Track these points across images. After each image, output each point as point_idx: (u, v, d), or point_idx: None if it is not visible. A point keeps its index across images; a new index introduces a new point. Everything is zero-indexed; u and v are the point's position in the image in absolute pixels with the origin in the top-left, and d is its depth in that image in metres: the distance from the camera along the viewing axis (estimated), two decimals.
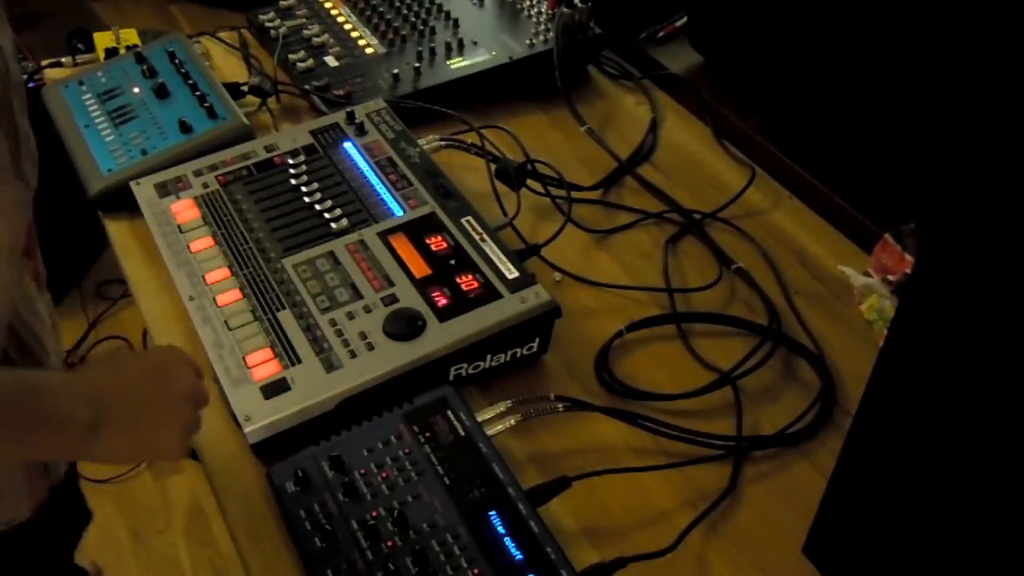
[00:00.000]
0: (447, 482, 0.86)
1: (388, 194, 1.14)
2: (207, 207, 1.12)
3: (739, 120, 1.42)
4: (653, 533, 0.90)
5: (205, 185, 1.15)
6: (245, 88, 1.36)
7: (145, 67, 1.34)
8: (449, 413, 0.91)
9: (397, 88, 1.37)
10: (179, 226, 1.10)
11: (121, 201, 1.16)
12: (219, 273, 1.04)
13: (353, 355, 0.95)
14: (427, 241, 1.07)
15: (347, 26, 1.51)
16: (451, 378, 0.98)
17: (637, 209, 1.27)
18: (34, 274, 0.88)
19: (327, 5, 1.56)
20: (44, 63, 1.51)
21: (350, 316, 0.98)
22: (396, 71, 1.38)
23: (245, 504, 0.90)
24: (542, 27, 1.46)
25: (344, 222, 1.10)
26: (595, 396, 1.02)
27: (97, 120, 1.27)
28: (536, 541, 0.81)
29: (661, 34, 1.61)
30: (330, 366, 0.94)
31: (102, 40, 1.48)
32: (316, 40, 1.47)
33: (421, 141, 1.23)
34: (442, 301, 1.00)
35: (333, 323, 0.98)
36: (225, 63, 1.48)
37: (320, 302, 1.00)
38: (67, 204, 1.15)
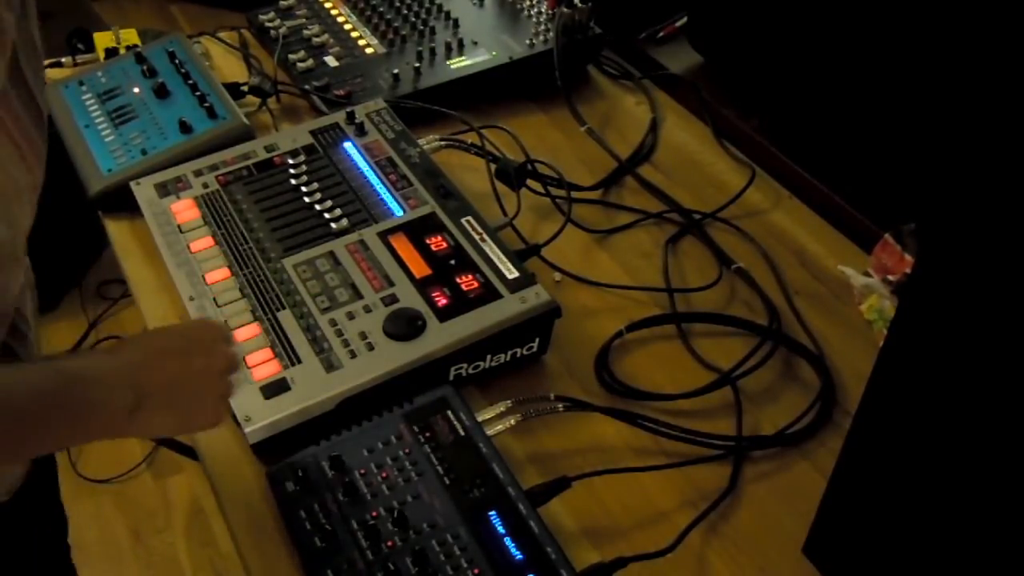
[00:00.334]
0: (447, 482, 0.85)
1: (388, 194, 1.14)
2: (207, 207, 1.12)
3: (739, 120, 1.42)
4: (653, 533, 0.90)
5: (205, 185, 1.15)
6: (245, 88, 1.36)
7: (145, 67, 1.34)
8: (449, 413, 0.91)
9: (397, 88, 1.37)
10: (179, 226, 1.10)
11: (121, 201, 1.16)
12: (219, 273, 1.04)
13: (353, 355, 0.95)
14: (427, 241, 1.07)
15: (347, 26, 1.51)
16: (451, 378, 0.98)
17: (637, 209, 1.27)
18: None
19: (327, 5, 1.56)
20: (44, 63, 1.51)
21: (350, 316, 0.98)
22: (396, 71, 1.38)
23: (245, 504, 0.90)
24: (542, 27, 1.46)
25: (344, 222, 1.10)
26: (595, 396, 1.02)
27: (97, 120, 1.27)
28: (536, 541, 0.81)
29: (661, 34, 1.61)
30: (330, 366, 0.94)
31: (102, 40, 1.48)
32: (316, 40, 1.47)
33: (421, 141, 1.23)
34: (442, 301, 1.00)
35: (333, 323, 0.98)
36: (225, 63, 1.48)
37: (320, 302, 1.00)
38: (67, 204, 1.15)
